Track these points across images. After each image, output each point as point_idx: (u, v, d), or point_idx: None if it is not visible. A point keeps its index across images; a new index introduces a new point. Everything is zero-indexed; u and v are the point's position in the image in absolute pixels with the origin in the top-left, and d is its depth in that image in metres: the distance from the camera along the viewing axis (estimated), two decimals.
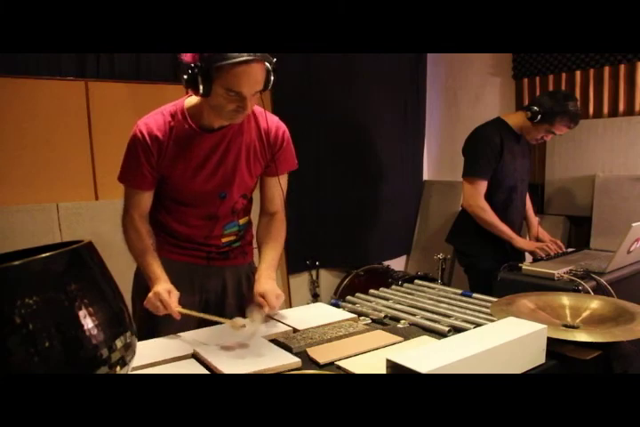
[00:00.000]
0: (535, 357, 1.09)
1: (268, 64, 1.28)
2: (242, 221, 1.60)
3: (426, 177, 3.92)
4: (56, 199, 2.33)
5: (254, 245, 1.64)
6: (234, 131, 1.44)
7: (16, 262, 0.72)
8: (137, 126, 1.41)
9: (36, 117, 2.25)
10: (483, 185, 2.31)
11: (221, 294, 1.60)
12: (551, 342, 1.11)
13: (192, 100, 1.42)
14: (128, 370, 0.86)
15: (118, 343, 0.82)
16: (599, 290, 1.86)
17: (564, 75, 3.05)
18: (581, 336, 1.13)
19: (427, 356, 0.95)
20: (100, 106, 2.42)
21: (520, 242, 2.32)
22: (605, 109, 2.92)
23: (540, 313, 1.32)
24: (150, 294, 1.35)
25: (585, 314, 1.32)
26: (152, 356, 1.17)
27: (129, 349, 0.85)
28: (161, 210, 1.53)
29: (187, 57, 1.26)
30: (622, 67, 2.82)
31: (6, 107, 2.18)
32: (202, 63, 1.23)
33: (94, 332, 0.77)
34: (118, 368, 0.82)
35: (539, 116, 2.22)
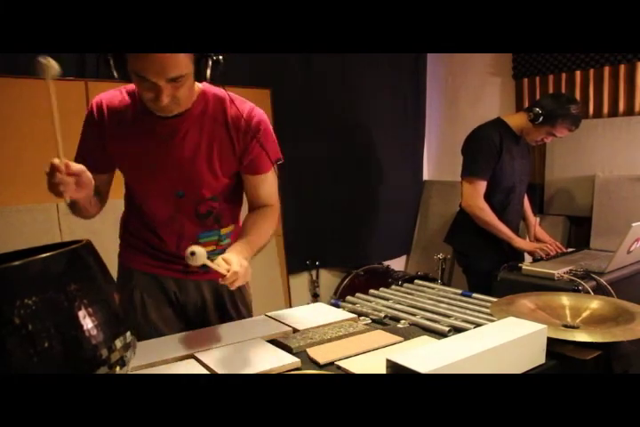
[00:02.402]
0: (535, 357, 1.09)
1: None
2: (224, 231, 1.41)
3: (426, 177, 3.92)
4: (56, 199, 2.31)
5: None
6: (193, 119, 1.25)
7: (16, 262, 0.72)
8: (94, 101, 1.30)
9: (36, 117, 2.24)
10: (482, 185, 2.31)
11: (201, 309, 1.47)
12: (551, 342, 1.11)
13: None
14: (128, 370, 0.86)
15: (118, 343, 0.82)
16: (599, 290, 1.86)
17: (564, 75, 3.05)
18: (581, 336, 1.13)
19: (427, 356, 0.95)
20: None
21: (519, 242, 2.32)
22: (605, 109, 2.92)
23: (539, 313, 1.32)
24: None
25: (585, 314, 1.32)
26: (152, 356, 1.17)
27: (129, 349, 0.85)
28: (133, 215, 1.42)
29: None
30: (622, 67, 2.82)
31: (6, 107, 2.18)
32: None
33: (94, 332, 0.77)
34: (118, 368, 0.82)
35: (540, 118, 2.22)
